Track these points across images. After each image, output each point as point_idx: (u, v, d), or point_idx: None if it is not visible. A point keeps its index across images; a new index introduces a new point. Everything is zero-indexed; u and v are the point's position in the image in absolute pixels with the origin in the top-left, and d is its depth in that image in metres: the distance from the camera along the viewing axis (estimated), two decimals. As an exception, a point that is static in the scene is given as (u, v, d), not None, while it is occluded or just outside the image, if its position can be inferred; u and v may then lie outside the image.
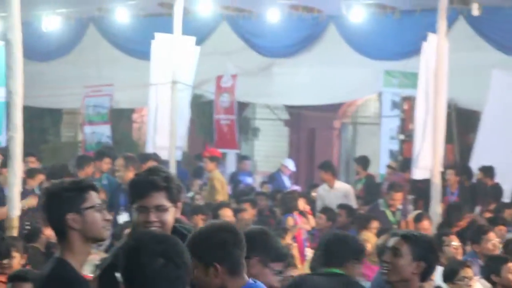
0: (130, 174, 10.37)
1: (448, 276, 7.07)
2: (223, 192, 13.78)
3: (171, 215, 4.33)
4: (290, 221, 11.15)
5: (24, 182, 11.38)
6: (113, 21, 19.16)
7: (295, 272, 6.80)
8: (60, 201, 4.04)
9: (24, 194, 9.89)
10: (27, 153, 12.37)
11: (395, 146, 16.38)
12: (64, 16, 19.41)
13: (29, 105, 15.35)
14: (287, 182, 17.26)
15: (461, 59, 14.29)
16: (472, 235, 9.09)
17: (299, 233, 10.87)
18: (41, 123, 20.88)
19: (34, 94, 15.59)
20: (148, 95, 15.92)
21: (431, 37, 12.93)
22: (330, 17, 17.74)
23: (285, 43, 18.47)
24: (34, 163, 12.95)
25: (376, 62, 17.04)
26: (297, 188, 15.47)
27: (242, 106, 19.41)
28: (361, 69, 17.22)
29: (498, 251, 8.67)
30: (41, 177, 11.00)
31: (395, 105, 16.52)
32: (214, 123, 18.44)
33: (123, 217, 10.38)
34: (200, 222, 11.04)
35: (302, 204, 11.73)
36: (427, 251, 4.87)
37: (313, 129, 20.08)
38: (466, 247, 9.08)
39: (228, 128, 18.23)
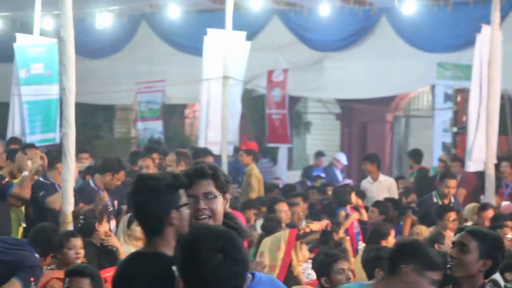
0: (180, 169, 10.42)
1: (505, 269, 7.01)
2: (259, 189, 13.47)
3: (220, 205, 4.27)
4: (342, 214, 11.12)
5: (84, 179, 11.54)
6: (165, 17, 19.25)
7: (346, 266, 6.78)
8: (164, 198, 4.01)
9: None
10: (80, 150, 12.53)
11: (448, 139, 16.23)
12: (116, 13, 19.56)
13: (83, 102, 15.54)
14: (339, 176, 17.21)
15: (515, 50, 14.12)
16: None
17: (351, 226, 10.83)
18: (94, 119, 21.09)
19: (87, 91, 15.75)
20: (200, 91, 15.98)
21: (484, 28, 12.79)
22: (382, 10, 17.63)
23: (337, 36, 18.40)
24: (87, 159, 13.12)
25: (429, 55, 16.91)
26: (349, 181, 15.42)
27: (294, 100, 19.39)
28: (414, 62, 17.10)
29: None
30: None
31: (448, 97, 16.37)
32: (266, 118, 18.45)
33: None
34: (252, 216, 11.08)
35: (354, 197, 11.69)
36: (494, 249, 4.83)
37: (365, 123, 20.00)
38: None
39: (280, 122, 18.23)
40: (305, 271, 9.08)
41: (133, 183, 4.11)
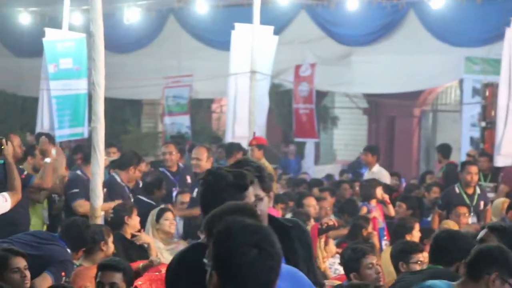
0: (208, 165, 10.44)
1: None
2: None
3: (265, 205, 4.30)
4: (363, 210, 11.09)
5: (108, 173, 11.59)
6: (193, 12, 19.29)
7: (375, 260, 6.77)
8: (223, 195, 4.04)
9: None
10: (108, 144, 12.59)
11: (476, 134, 16.14)
12: (144, 8, 19.62)
13: (110, 96, 15.61)
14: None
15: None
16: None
17: (374, 222, 10.79)
18: (122, 114, 21.19)
19: (115, 86, 15.80)
20: (227, 85, 16.00)
21: (514, 22, 12.72)
22: (410, 4, 17.56)
23: (364, 31, 18.36)
24: (115, 154, 13.16)
25: (457, 49, 16.83)
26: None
27: (321, 95, 19.37)
28: (442, 56, 17.03)
29: None
30: None
31: (476, 91, 16.28)
32: (293, 112, 18.44)
33: None
34: (279, 211, 11.08)
35: (380, 192, 11.62)
36: None
37: (392, 117, 19.94)
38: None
39: (307, 117, 18.22)
40: (332, 266, 9.07)
41: (203, 175, 4.20)
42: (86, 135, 14.32)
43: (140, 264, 6.97)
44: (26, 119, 20.08)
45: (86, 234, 7.15)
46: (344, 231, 10.22)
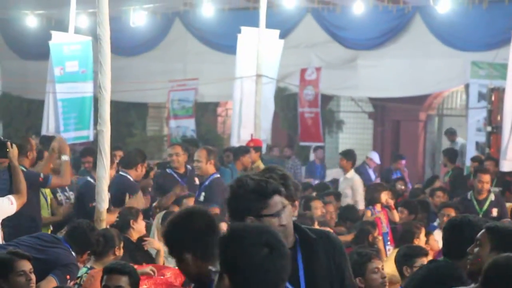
0: (210, 167, 10.45)
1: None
2: None
3: (289, 213, 4.26)
4: (368, 214, 11.08)
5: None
6: (199, 15, 19.30)
7: (380, 265, 6.77)
8: (244, 203, 4.10)
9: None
10: (114, 147, 12.60)
11: (482, 138, 16.11)
12: (150, 11, 19.64)
13: (116, 99, 15.60)
14: (372, 175, 17.12)
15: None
16: None
17: (379, 227, 10.77)
18: (127, 117, 21.19)
19: (120, 89, 15.83)
20: (233, 89, 16.00)
21: (520, 27, 12.72)
22: (416, 8, 17.57)
23: (370, 35, 18.36)
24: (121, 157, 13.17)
25: (463, 53, 16.82)
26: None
27: (326, 98, 19.36)
28: (448, 60, 17.02)
29: None
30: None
31: (482, 96, 16.24)
32: (298, 116, 18.43)
33: None
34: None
35: (385, 197, 11.59)
36: (508, 243, 4.73)
37: (398, 121, 19.91)
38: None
39: (312, 121, 18.21)
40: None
41: (230, 183, 4.27)
42: (91, 138, 14.35)
43: (144, 268, 6.96)
44: (32, 121, 20.10)
45: (91, 237, 7.14)
46: (348, 237, 10.19)
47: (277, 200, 4.15)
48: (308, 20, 18.80)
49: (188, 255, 4.04)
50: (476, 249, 4.72)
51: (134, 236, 8.47)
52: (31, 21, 20.25)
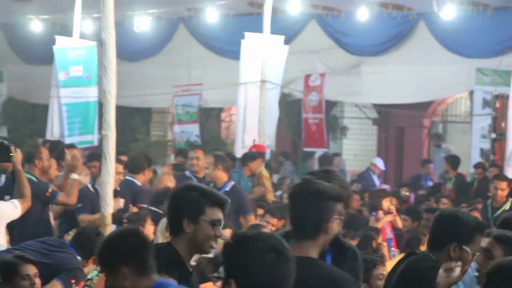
0: (219, 173, 10.45)
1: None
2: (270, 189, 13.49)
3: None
4: (372, 220, 11.07)
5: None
6: (203, 20, 19.31)
7: (385, 271, 6.76)
8: (326, 206, 4.19)
9: None
10: (118, 152, 12.61)
11: (487, 145, 16.10)
12: (155, 16, 19.65)
13: (120, 104, 15.59)
14: (376, 181, 17.11)
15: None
16: None
17: (383, 232, 10.76)
18: (131, 122, 21.19)
19: (124, 94, 15.82)
20: (237, 95, 16.00)
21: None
22: (421, 15, 17.56)
23: (374, 41, 18.35)
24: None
25: (468, 60, 16.81)
26: (386, 187, 15.33)
27: (330, 104, 19.35)
28: (452, 67, 17.01)
29: None
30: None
31: (486, 103, 16.24)
32: (303, 122, 18.42)
33: None
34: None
35: (387, 203, 11.55)
36: None
37: (402, 128, 19.89)
38: None
39: (316, 127, 18.20)
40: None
41: (298, 184, 4.30)
42: (96, 143, 14.36)
43: None
44: (36, 126, 20.11)
45: (97, 242, 7.14)
46: (352, 242, 10.17)
47: (339, 206, 4.27)
48: (312, 26, 18.80)
49: (124, 269, 4.14)
50: (487, 261, 4.62)
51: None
52: (36, 26, 20.28)
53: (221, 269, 5.15)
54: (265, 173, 13.32)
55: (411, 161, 18.59)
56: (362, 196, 13.79)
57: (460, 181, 15.08)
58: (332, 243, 4.37)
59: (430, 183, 16.44)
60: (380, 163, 17.65)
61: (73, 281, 6.73)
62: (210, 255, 7.97)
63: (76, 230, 7.42)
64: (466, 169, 16.42)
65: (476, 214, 10.29)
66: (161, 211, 10.08)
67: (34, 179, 8.91)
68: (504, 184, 11.51)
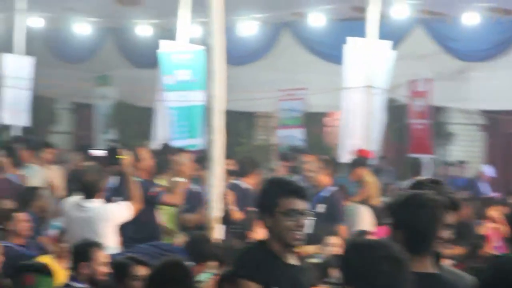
0: (322, 177, 10.44)
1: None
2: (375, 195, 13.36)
3: None
4: (481, 228, 10.87)
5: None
6: (307, 25, 19.30)
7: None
8: (438, 217, 4.19)
9: None
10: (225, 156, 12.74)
11: None
12: (260, 20, 19.73)
13: (225, 108, 15.71)
14: (484, 188, 16.79)
15: None
16: None
17: (491, 241, 10.56)
18: (235, 126, 21.31)
19: (229, 98, 15.90)
20: (341, 99, 15.93)
21: None
22: (530, 20, 17.20)
23: (482, 46, 18.04)
24: (232, 166, 13.27)
25: None
26: (495, 195, 15.03)
27: (436, 110, 19.10)
28: None
29: None
30: None
31: None
32: (409, 128, 18.23)
33: None
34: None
35: (494, 212, 11.33)
36: None
37: (510, 134, 19.52)
38: None
39: (422, 133, 17.98)
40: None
41: (408, 196, 4.20)
42: (202, 147, 14.48)
43: None
44: (144, 129, 20.42)
45: (205, 247, 7.23)
46: (459, 250, 10.01)
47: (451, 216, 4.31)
48: (418, 31, 18.59)
49: None
50: None
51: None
52: (143, 30, 20.60)
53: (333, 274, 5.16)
54: (370, 178, 13.25)
55: (520, 168, 18.23)
56: (470, 204, 13.56)
57: None
58: None
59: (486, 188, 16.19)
60: (490, 171, 17.34)
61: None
62: (317, 260, 7.95)
63: (189, 235, 7.51)
64: None
65: None
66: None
67: (139, 179, 9.05)
68: None
